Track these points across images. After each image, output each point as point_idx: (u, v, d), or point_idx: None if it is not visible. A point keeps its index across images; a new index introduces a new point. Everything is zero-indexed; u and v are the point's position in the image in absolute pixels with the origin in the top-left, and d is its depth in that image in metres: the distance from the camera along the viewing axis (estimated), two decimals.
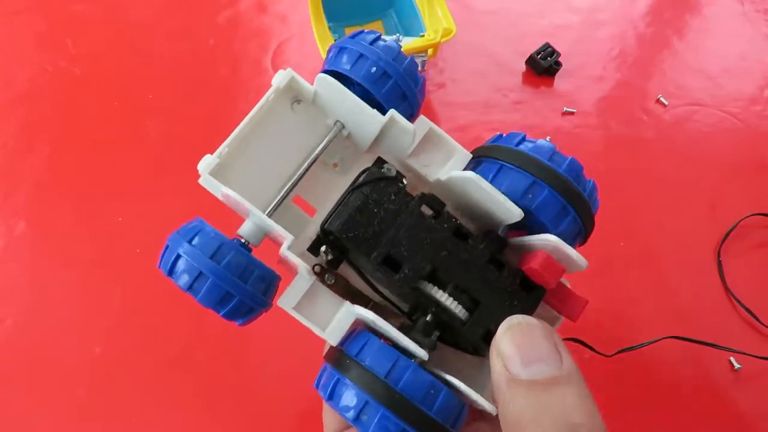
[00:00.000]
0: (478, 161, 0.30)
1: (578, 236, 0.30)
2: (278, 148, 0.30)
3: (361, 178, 0.29)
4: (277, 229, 0.27)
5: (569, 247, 0.27)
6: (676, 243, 0.53)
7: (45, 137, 0.53)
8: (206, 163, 0.27)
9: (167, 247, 0.27)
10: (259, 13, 0.61)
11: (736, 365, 0.49)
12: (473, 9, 0.63)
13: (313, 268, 0.29)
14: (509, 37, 0.61)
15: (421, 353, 0.26)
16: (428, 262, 0.27)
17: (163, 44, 0.58)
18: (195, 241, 0.26)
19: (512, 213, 0.28)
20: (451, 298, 0.27)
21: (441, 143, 0.31)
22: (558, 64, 0.59)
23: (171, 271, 0.26)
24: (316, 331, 0.28)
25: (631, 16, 0.65)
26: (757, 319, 0.50)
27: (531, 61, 0.59)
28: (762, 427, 0.48)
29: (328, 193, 0.30)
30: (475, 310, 0.27)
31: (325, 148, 0.30)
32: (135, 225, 0.50)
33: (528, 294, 0.28)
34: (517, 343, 0.24)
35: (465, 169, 0.30)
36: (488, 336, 0.26)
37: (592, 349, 0.38)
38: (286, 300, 0.28)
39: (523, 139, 0.30)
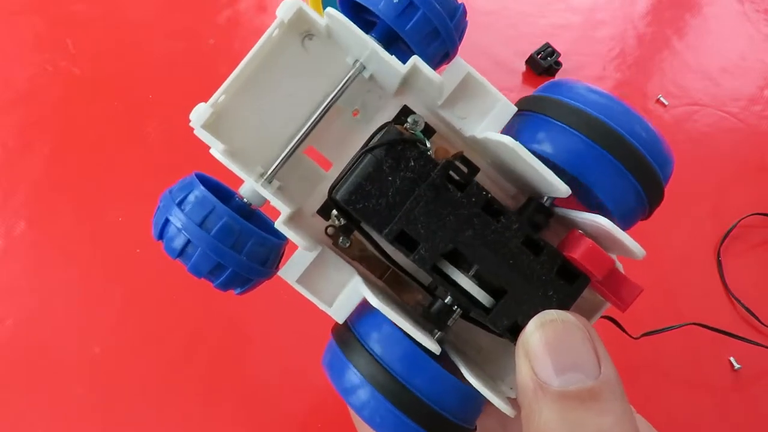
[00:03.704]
0: (522, 115, 0.26)
1: (640, 214, 0.25)
2: (288, 92, 0.26)
3: (375, 138, 0.24)
4: (272, 201, 0.24)
5: (624, 233, 0.22)
6: (676, 243, 0.53)
7: (45, 137, 0.53)
8: (198, 114, 0.24)
9: (158, 208, 0.24)
10: (259, 13, 0.61)
11: (736, 365, 0.48)
12: (473, 9, 0.63)
13: (326, 230, 0.27)
14: (509, 37, 0.61)
15: (434, 347, 0.24)
16: (449, 242, 0.23)
17: (163, 44, 0.58)
18: (184, 205, 0.24)
19: (557, 189, 0.23)
20: (474, 282, 0.24)
21: (480, 92, 0.26)
22: (558, 64, 0.59)
23: (160, 236, 0.24)
24: (321, 306, 0.26)
25: (631, 16, 0.65)
26: (758, 319, 0.50)
27: (531, 61, 0.59)
28: (762, 427, 0.47)
29: (346, 144, 0.26)
30: (502, 297, 0.24)
31: (342, 91, 0.25)
32: (135, 225, 0.50)
33: (568, 283, 0.23)
34: (550, 345, 0.21)
35: (507, 125, 0.26)
36: (515, 329, 0.23)
37: (621, 328, 0.36)
38: (289, 272, 0.26)
39: (582, 90, 0.24)
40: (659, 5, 0.66)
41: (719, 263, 0.52)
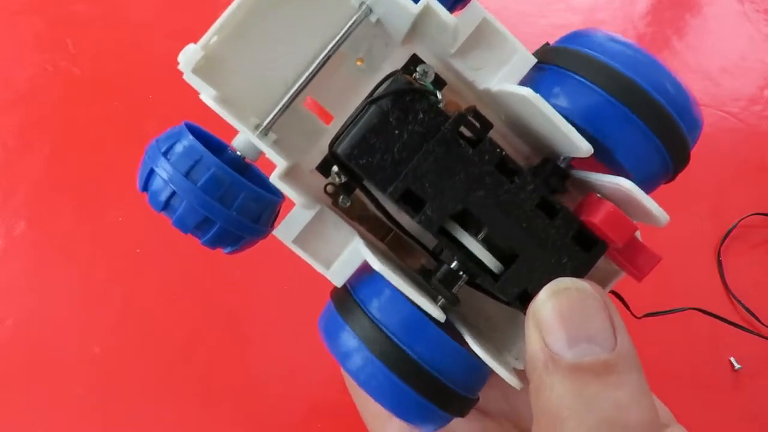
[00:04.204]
0: (539, 68, 0.24)
1: (664, 177, 0.23)
2: (286, 37, 0.24)
3: (381, 88, 0.22)
4: (267, 153, 0.22)
5: (647, 197, 0.21)
6: (676, 243, 0.53)
7: (45, 137, 0.53)
8: (188, 57, 0.22)
9: (144, 158, 0.23)
10: None
11: (736, 365, 0.48)
12: None
13: (325, 188, 0.25)
14: None
15: (438, 314, 0.22)
16: (458, 202, 0.22)
17: (163, 44, 0.58)
18: (171, 155, 0.22)
19: (578, 148, 0.21)
20: (483, 246, 0.22)
21: (497, 41, 0.23)
22: None
23: (145, 187, 0.23)
24: (319, 269, 0.24)
25: (631, 16, 0.65)
26: (758, 319, 0.50)
27: None
28: (762, 427, 0.47)
29: (350, 95, 0.24)
30: (513, 263, 0.22)
31: (345, 37, 0.23)
32: (135, 225, 0.50)
33: (583, 250, 0.22)
34: (563, 314, 0.19)
35: (524, 80, 0.24)
36: (525, 297, 0.22)
37: (626, 305, 0.36)
38: (284, 231, 0.24)
39: (605, 40, 0.22)
40: (659, 5, 0.66)
41: (719, 263, 0.52)
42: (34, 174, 0.51)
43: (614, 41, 0.22)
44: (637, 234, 0.23)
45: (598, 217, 0.21)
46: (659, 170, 0.23)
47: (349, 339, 0.23)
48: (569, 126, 0.21)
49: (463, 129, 0.22)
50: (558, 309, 0.20)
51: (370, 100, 0.22)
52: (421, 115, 0.21)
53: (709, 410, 0.47)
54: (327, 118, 0.26)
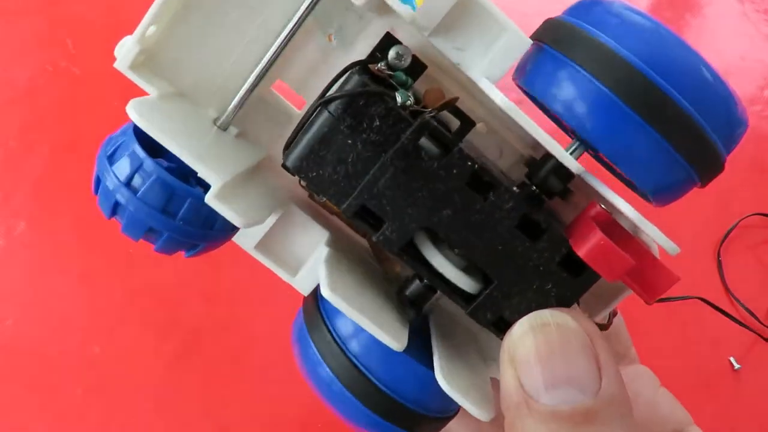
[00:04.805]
0: (538, 49, 0.20)
1: (690, 186, 0.20)
2: (240, 16, 0.21)
3: (334, 87, 0.20)
4: (199, 171, 0.19)
5: (654, 228, 0.19)
6: (676, 243, 0.53)
7: (45, 137, 0.53)
8: (125, 52, 0.19)
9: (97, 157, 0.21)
10: None
11: (736, 365, 0.49)
12: None
13: (299, 181, 0.23)
14: None
15: (396, 345, 0.20)
16: (422, 222, 0.19)
17: None
18: (114, 159, 0.21)
19: (568, 166, 0.19)
20: (455, 264, 0.20)
21: (482, 17, 0.20)
22: None
23: (96, 191, 0.22)
24: (284, 277, 0.23)
25: None
26: (757, 319, 0.50)
27: None
28: (762, 427, 0.47)
29: (320, 77, 0.22)
30: (488, 286, 0.20)
31: (308, 11, 0.20)
32: None
33: (572, 276, 0.19)
34: (541, 354, 0.17)
35: (524, 58, 0.21)
36: (501, 324, 0.19)
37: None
38: (246, 236, 0.22)
39: (621, 15, 0.18)
40: (659, 5, 0.66)
41: (719, 263, 0.52)
42: (34, 174, 0.51)
43: (632, 15, 0.18)
44: (655, 250, 0.20)
45: (583, 250, 0.18)
46: (680, 182, 0.19)
47: (312, 354, 0.21)
48: (557, 146, 0.19)
49: (432, 134, 0.19)
50: (535, 347, 0.17)
51: (321, 102, 0.19)
52: (377, 122, 0.18)
53: (709, 410, 0.47)
54: (300, 101, 0.23)
